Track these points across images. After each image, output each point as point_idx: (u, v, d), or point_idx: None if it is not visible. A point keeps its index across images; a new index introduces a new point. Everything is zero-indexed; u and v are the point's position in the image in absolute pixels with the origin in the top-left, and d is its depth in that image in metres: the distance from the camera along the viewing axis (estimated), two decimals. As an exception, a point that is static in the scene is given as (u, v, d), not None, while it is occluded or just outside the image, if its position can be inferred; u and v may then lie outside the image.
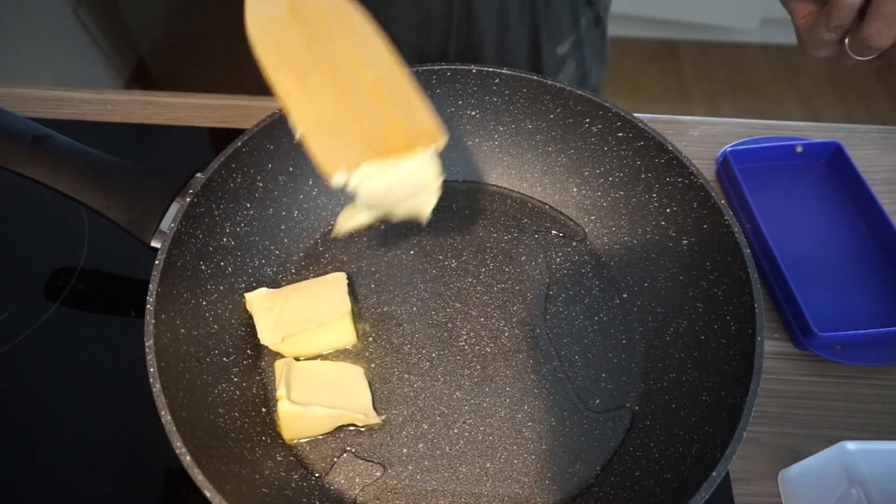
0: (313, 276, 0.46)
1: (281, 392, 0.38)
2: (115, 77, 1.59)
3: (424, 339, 0.44)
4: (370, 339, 0.44)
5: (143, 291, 0.36)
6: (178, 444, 0.32)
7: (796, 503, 0.39)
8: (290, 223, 0.47)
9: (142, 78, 1.64)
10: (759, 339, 0.36)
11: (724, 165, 0.53)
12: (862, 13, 0.36)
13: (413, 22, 0.61)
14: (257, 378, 0.42)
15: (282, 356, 0.42)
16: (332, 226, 0.49)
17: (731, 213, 0.40)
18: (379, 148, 0.33)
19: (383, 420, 0.40)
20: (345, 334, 0.43)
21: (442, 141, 0.34)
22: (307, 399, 0.39)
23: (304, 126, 0.33)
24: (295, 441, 0.40)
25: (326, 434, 0.40)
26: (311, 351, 0.43)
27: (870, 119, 1.72)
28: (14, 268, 0.48)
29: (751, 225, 0.49)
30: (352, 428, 0.40)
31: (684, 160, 0.42)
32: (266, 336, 0.41)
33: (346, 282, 0.44)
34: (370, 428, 0.40)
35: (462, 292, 0.46)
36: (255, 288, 0.44)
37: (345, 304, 0.42)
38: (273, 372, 0.42)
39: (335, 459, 0.39)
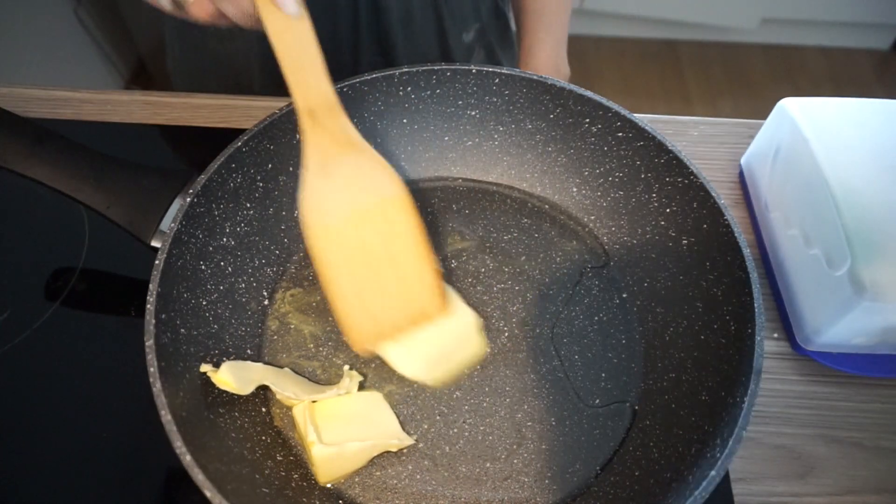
0: (312, 277, 0.46)
1: (312, 437, 0.37)
2: (115, 77, 1.59)
3: (424, 339, 0.44)
4: (370, 339, 0.44)
5: (143, 291, 0.36)
6: (179, 444, 0.32)
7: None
8: (290, 223, 0.47)
9: (142, 78, 1.64)
10: (758, 339, 0.36)
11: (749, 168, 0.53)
12: None
13: (320, 14, 0.62)
14: (257, 378, 0.42)
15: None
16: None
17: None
18: (394, 329, 0.39)
19: (416, 440, 0.40)
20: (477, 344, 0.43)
21: (446, 313, 0.41)
22: (339, 437, 0.38)
23: (338, 310, 0.38)
24: (331, 484, 0.38)
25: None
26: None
27: (870, 119, 1.71)
28: (14, 268, 0.48)
29: (764, 226, 0.49)
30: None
31: (684, 160, 0.42)
32: (406, 369, 0.41)
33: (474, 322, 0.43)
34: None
35: (462, 292, 0.46)
36: (254, 287, 0.44)
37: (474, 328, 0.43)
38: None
39: (335, 459, 0.39)
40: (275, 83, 0.62)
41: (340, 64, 0.66)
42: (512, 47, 0.76)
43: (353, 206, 0.37)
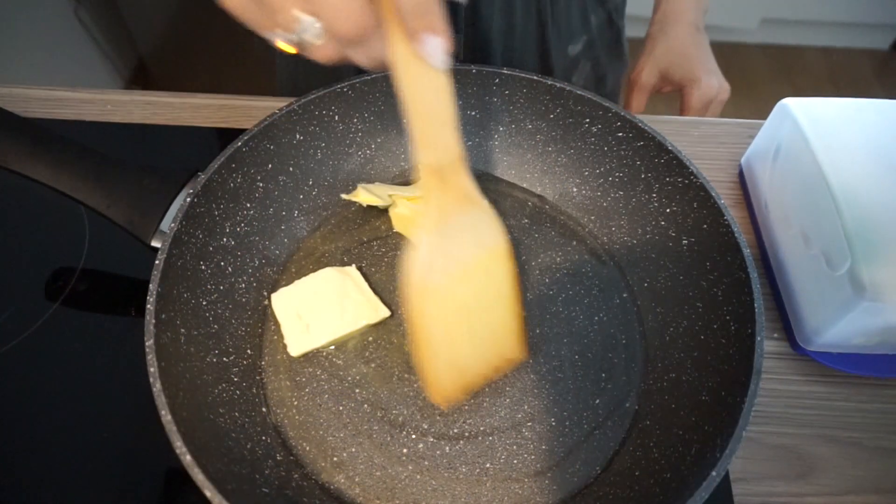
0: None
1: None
2: (115, 77, 1.59)
3: (424, 339, 0.44)
4: (370, 339, 0.44)
5: (143, 291, 0.36)
6: (179, 444, 0.32)
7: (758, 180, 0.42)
8: (290, 223, 0.47)
9: (142, 78, 1.64)
10: (758, 339, 0.36)
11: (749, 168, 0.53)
12: None
13: None
14: (257, 378, 0.42)
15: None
16: (333, 224, 0.49)
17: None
18: (478, 379, 0.40)
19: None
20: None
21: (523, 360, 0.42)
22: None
23: (427, 369, 0.38)
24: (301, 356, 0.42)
25: (330, 411, 0.40)
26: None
27: (870, 119, 1.71)
28: (14, 268, 0.48)
29: (764, 226, 0.49)
30: (352, 422, 0.40)
31: (684, 160, 0.42)
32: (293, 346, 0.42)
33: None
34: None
35: (462, 292, 0.46)
36: (254, 287, 0.44)
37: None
38: (272, 372, 0.42)
39: (335, 459, 0.39)
40: None
41: None
42: (621, 58, 0.73)
43: (462, 262, 0.35)
